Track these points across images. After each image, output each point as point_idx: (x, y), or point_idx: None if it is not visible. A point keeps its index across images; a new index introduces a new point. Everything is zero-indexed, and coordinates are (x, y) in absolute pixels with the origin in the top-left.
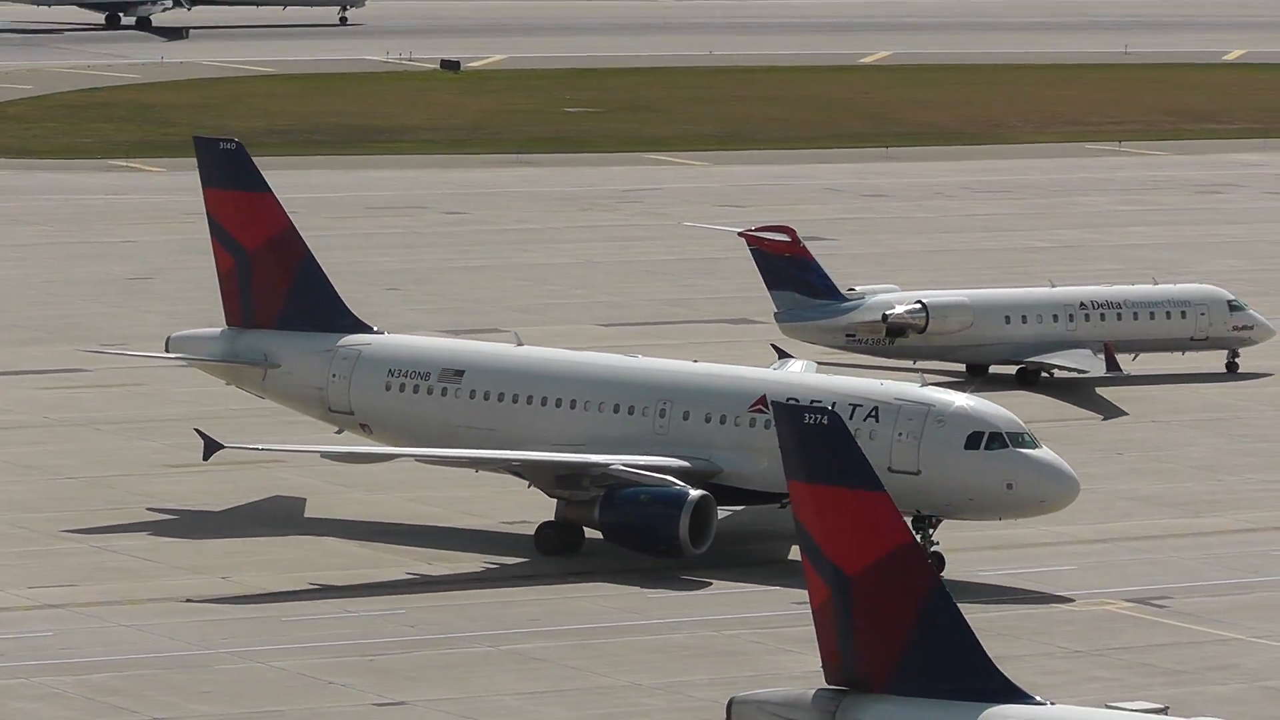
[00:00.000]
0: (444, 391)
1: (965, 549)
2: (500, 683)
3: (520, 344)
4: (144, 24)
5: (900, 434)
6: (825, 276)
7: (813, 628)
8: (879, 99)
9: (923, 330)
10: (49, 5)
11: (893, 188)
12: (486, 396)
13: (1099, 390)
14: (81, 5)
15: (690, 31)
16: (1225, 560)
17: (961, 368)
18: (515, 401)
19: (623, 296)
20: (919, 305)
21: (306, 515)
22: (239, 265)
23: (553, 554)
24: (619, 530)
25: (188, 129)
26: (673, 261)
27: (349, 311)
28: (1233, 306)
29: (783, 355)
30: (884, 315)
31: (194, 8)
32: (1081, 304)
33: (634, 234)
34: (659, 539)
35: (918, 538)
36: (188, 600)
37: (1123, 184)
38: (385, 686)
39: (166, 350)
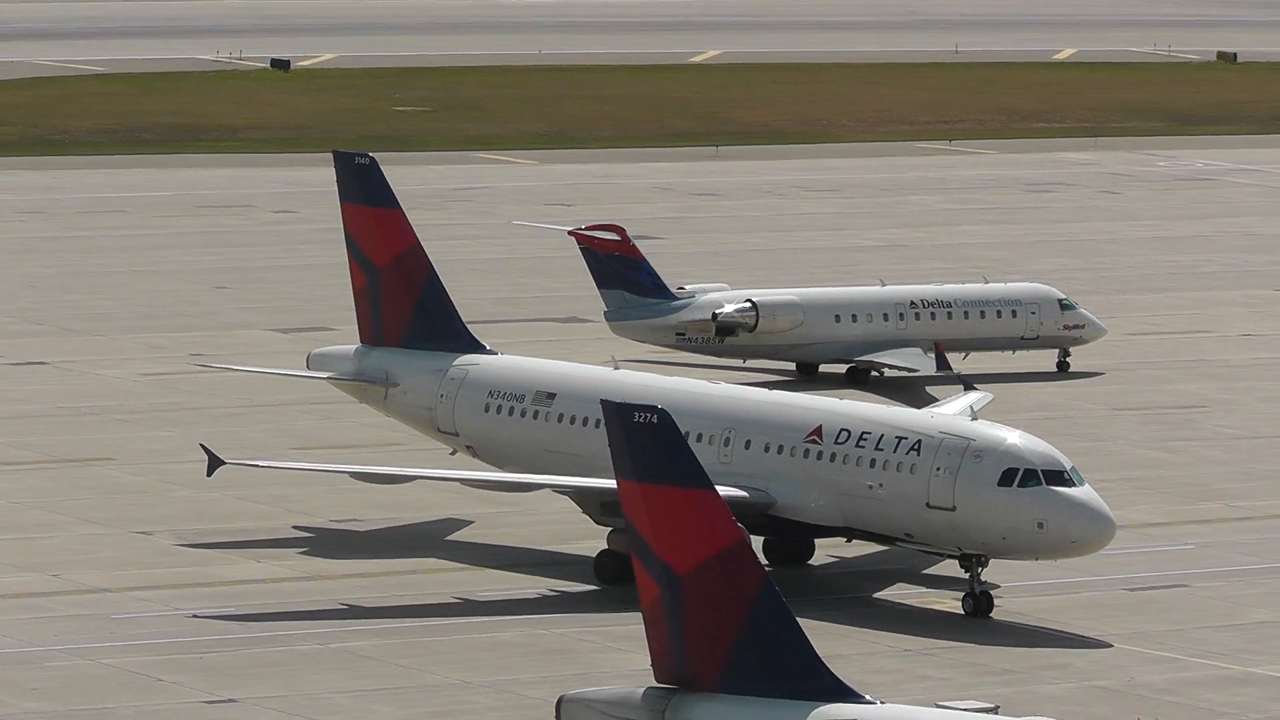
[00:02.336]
0: (535, 414)
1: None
2: (329, 680)
3: (616, 367)
4: None
5: (938, 469)
6: (655, 275)
7: (642, 626)
8: (708, 98)
9: (753, 329)
10: None
11: (722, 186)
12: (574, 420)
13: (929, 389)
14: None
15: (519, 30)
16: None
17: (792, 366)
18: (598, 426)
19: (452, 295)
20: (749, 304)
21: (137, 514)
22: (370, 282)
23: (612, 582)
24: None
25: (18, 128)
26: (502, 260)
27: (467, 331)
28: (1063, 305)
29: (969, 388)
30: (714, 314)
31: None
32: (912, 303)
33: (463, 233)
34: None
35: (750, 539)
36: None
37: (953, 183)
38: (215, 684)
39: (308, 367)
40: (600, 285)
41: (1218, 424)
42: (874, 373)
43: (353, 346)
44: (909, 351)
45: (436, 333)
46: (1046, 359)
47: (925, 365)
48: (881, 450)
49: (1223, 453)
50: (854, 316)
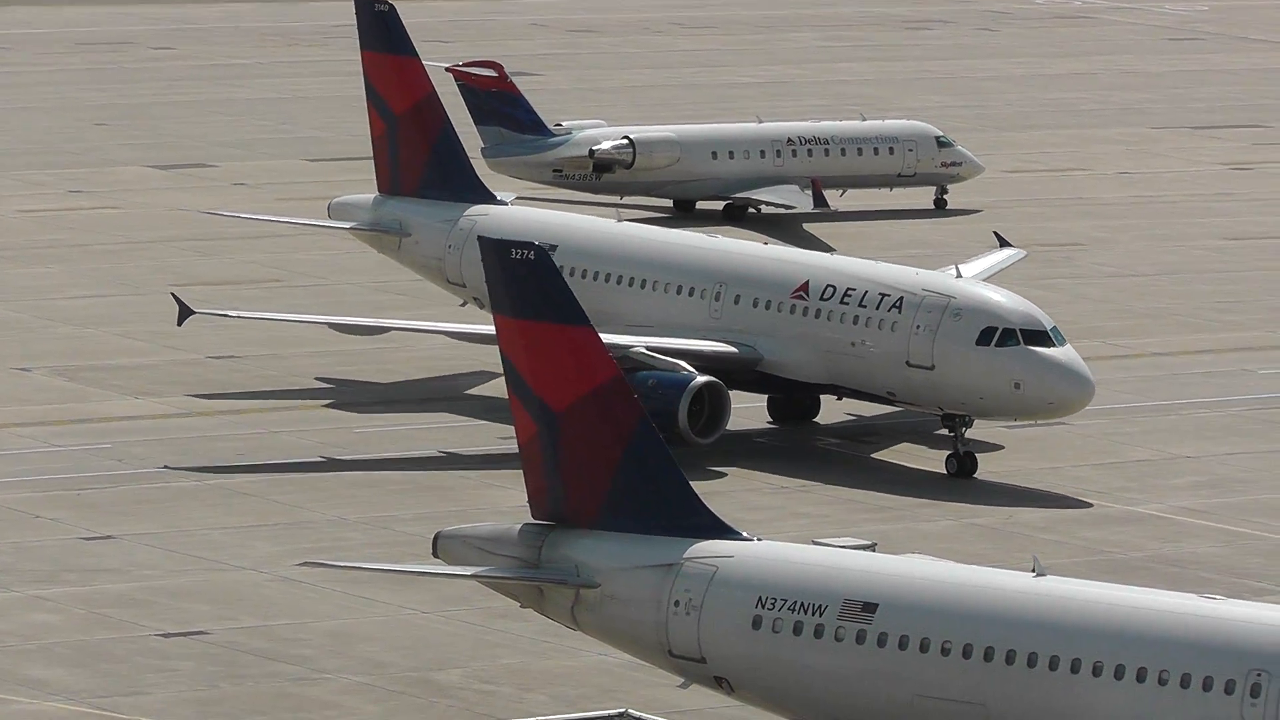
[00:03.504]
0: None
1: None
2: (207, 516)
3: (620, 220)
4: None
5: (918, 326)
6: (532, 112)
7: (519, 463)
8: None
9: (630, 166)
10: None
11: (600, 23)
12: (571, 273)
13: (806, 226)
14: None
15: None
16: None
17: (669, 203)
18: (595, 279)
19: (329, 131)
20: (626, 141)
21: (17, 349)
22: (388, 130)
23: None
24: None
25: None
26: None
27: (480, 182)
28: (941, 143)
29: (1004, 244)
30: (591, 151)
31: None
32: (789, 140)
33: (340, 69)
34: (661, 425)
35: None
36: None
37: (831, 20)
38: (93, 520)
39: (329, 216)
40: (478, 122)
41: (1095, 262)
42: (751, 209)
43: (371, 195)
44: (786, 188)
45: (451, 182)
46: (924, 196)
47: (802, 202)
48: (865, 307)
49: (1100, 291)
50: (731, 153)
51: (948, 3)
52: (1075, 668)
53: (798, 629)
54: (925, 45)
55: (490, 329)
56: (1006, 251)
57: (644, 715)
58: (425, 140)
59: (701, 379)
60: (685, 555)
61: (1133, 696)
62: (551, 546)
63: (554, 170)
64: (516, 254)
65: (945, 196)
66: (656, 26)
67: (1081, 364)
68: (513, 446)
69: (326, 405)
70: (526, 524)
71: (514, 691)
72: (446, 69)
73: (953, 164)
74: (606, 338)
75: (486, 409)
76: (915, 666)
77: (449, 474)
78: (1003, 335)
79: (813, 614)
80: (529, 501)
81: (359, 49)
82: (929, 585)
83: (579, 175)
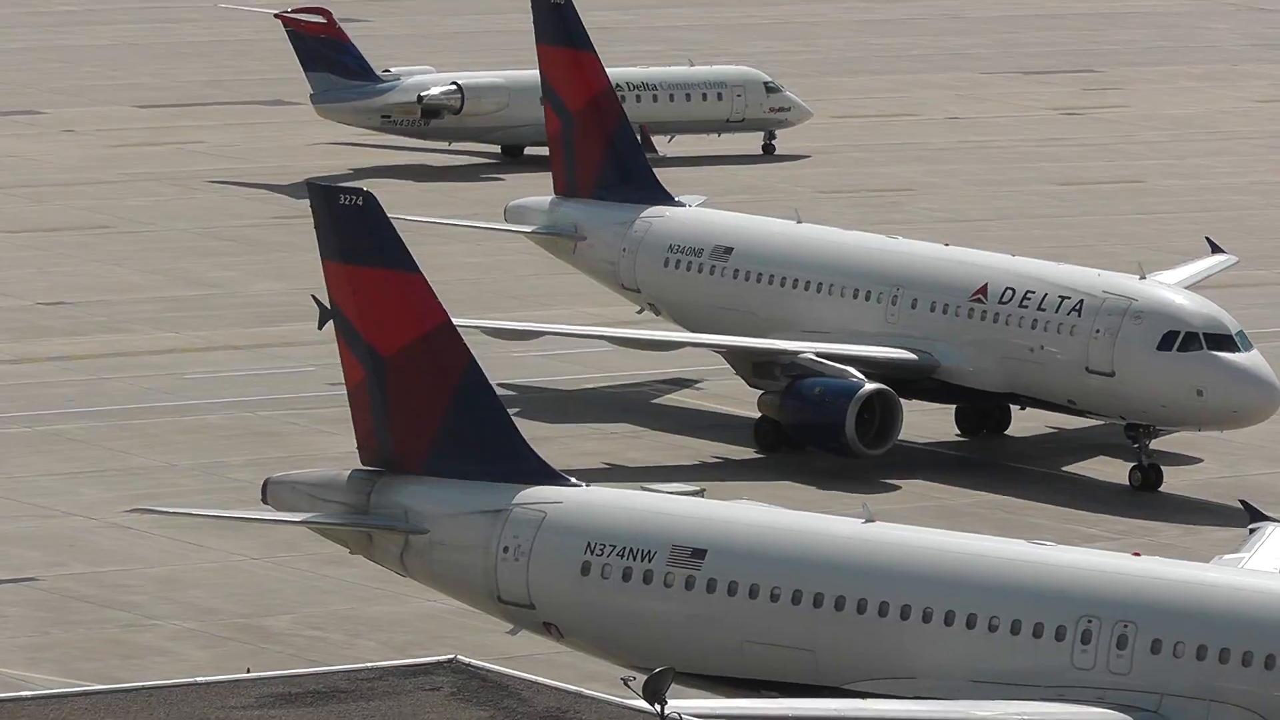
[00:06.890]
0: (712, 270)
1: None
2: (38, 463)
3: (800, 221)
4: None
5: (1098, 330)
6: (361, 58)
7: (348, 409)
8: None
9: (458, 111)
10: None
11: None
12: (747, 277)
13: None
14: None
15: None
16: None
17: (497, 149)
18: (770, 283)
19: (160, 78)
20: (454, 86)
21: None
22: (564, 128)
23: (771, 450)
24: (796, 426)
25: None
26: (210, 43)
27: (657, 181)
28: (769, 88)
29: (1216, 249)
30: (419, 96)
31: None
32: (617, 85)
33: (171, 15)
34: (828, 435)
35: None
36: None
37: None
38: None
39: (505, 219)
40: (306, 68)
41: (925, 206)
42: None
43: (548, 197)
44: None
45: (628, 182)
46: (752, 141)
47: None
48: (1044, 310)
49: (929, 234)
50: None
51: None
52: (905, 614)
53: (626, 575)
54: None
55: (647, 334)
56: (1218, 258)
57: (473, 661)
58: (602, 138)
59: (871, 386)
60: (514, 501)
61: (962, 643)
62: (380, 492)
63: (382, 116)
64: (345, 200)
65: (773, 142)
66: None
67: (1268, 370)
68: (342, 392)
69: (156, 350)
70: (356, 470)
71: (343, 638)
72: (275, 15)
73: (781, 109)
74: (775, 343)
75: (314, 355)
76: (744, 612)
77: (278, 419)
78: (1185, 339)
79: (641, 560)
80: (358, 447)
81: (535, 43)
82: (758, 531)
83: (407, 121)
